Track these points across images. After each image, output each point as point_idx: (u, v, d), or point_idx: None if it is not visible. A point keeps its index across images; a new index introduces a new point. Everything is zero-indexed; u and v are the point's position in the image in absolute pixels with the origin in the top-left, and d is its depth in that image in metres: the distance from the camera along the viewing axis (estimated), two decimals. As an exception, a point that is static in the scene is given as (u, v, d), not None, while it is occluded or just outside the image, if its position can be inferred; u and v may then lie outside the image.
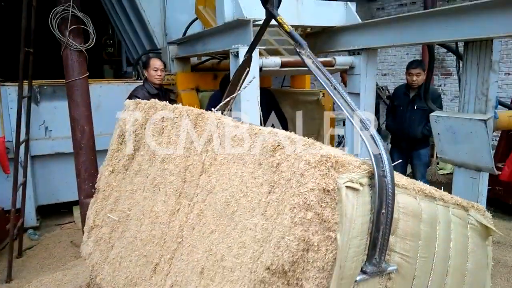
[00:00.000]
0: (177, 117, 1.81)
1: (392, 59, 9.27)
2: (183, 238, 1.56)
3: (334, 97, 1.41)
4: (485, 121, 2.61)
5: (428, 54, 3.36)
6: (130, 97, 3.98)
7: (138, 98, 3.78)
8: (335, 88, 1.44)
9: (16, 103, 4.51)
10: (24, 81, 4.00)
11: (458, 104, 2.91)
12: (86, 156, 3.66)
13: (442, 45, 3.76)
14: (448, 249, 1.39)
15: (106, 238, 1.98)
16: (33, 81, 4.50)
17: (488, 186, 4.37)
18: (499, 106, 3.73)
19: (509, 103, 4.92)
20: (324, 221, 1.04)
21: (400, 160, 4.48)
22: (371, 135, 1.19)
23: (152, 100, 2.06)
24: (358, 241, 1.06)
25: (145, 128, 1.97)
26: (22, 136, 4.62)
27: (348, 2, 3.53)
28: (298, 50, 1.68)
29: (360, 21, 3.36)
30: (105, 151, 3.91)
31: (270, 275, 1.05)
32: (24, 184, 4.22)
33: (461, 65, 2.98)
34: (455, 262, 1.42)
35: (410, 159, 4.85)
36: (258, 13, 2.61)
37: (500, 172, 4.38)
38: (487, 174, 2.82)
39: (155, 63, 3.97)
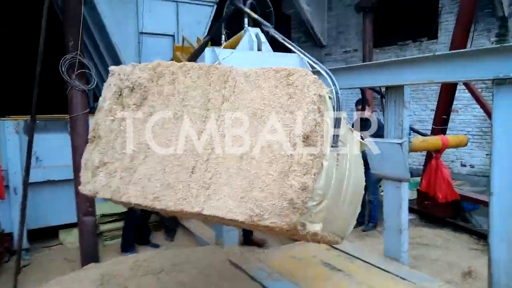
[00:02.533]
0: (187, 70, 2.34)
1: (340, 97, 10.56)
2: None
3: (300, 54, 2.40)
4: (400, 144, 3.62)
5: (361, 95, 4.44)
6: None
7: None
8: (300, 52, 2.46)
9: (12, 135, 5.10)
10: (21, 116, 4.60)
11: (384, 131, 3.91)
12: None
13: (371, 88, 4.88)
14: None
15: (125, 167, 2.31)
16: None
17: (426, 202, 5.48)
18: (413, 133, 4.88)
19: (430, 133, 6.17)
20: (320, 111, 1.89)
21: None
22: (327, 73, 2.22)
23: (156, 61, 2.51)
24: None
25: (152, 81, 2.41)
26: (17, 167, 5.18)
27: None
28: (266, 30, 2.64)
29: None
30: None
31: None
32: (23, 209, 4.68)
33: (383, 102, 4.05)
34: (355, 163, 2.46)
35: None
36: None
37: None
38: (407, 183, 3.81)
39: None
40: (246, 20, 3.90)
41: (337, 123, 2.00)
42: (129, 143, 2.35)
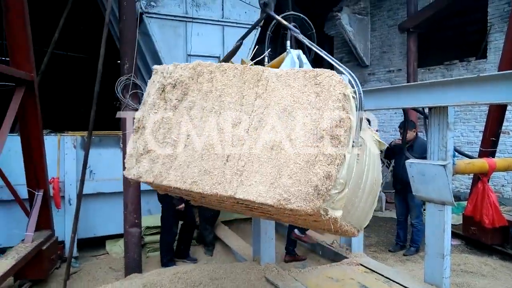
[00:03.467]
0: (224, 69, 2.55)
1: (382, 117, 10.43)
2: (249, 136, 2.24)
3: (330, 60, 2.50)
4: (444, 166, 3.56)
5: (404, 116, 4.40)
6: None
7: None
8: (326, 55, 2.58)
9: (71, 150, 5.51)
10: (79, 132, 4.98)
11: (427, 153, 3.86)
12: (134, 193, 4.54)
13: (414, 109, 4.83)
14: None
15: (166, 155, 2.54)
16: (80, 132, 5.47)
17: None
18: (458, 155, 4.74)
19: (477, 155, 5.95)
20: (344, 109, 2.03)
21: None
22: (350, 75, 2.30)
23: (196, 61, 2.76)
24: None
25: (193, 79, 2.65)
26: (73, 179, 5.56)
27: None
28: (295, 35, 2.77)
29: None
30: (146, 191, 4.78)
31: (326, 133, 2.00)
32: (76, 219, 5.01)
33: (427, 124, 4.00)
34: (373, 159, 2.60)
35: (406, 201, 5.81)
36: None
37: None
38: (450, 207, 3.71)
39: None
40: (288, 43, 4.04)
41: (359, 120, 2.13)
42: (171, 133, 2.59)
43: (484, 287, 4.43)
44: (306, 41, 2.81)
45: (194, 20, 7.04)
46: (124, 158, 4.21)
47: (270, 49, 4.49)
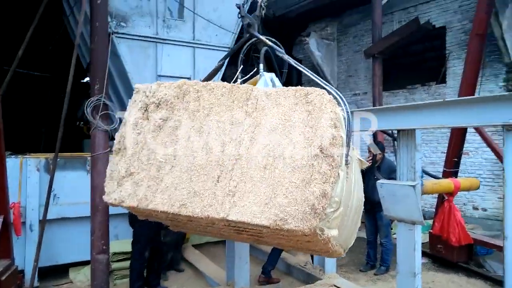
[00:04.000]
0: (212, 88, 2.53)
1: (350, 139, 10.67)
2: (240, 155, 2.21)
3: (314, 78, 2.60)
4: (413, 186, 3.67)
5: (373, 138, 4.54)
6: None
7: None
8: (311, 74, 2.69)
9: (33, 173, 5.25)
10: (42, 154, 4.76)
11: (396, 174, 3.97)
12: (102, 218, 4.36)
13: (383, 131, 4.99)
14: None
15: (151, 177, 2.45)
16: (43, 154, 5.22)
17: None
18: (425, 175, 4.92)
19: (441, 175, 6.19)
20: (336, 127, 2.05)
21: None
22: (338, 94, 2.33)
23: (181, 80, 2.72)
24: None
25: (178, 98, 2.59)
26: (35, 204, 5.28)
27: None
28: (280, 55, 2.81)
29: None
30: (115, 215, 4.59)
31: (320, 152, 2.01)
32: (39, 247, 4.71)
33: (395, 145, 4.14)
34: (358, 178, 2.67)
35: (375, 221, 5.90)
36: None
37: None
38: (420, 226, 3.81)
39: None
40: (261, 66, 4.11)
41: (348, 139, 2.17)
42: (156, 154, 2.50)
43: (453, 305, 4.54)
44: (292, 61, 2.87)
45: (164, 41, 7.03)
46: (92, 181, 4.08)
47: (241, 72, 4.55)
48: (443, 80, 8.94)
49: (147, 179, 2.46)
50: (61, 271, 5.71)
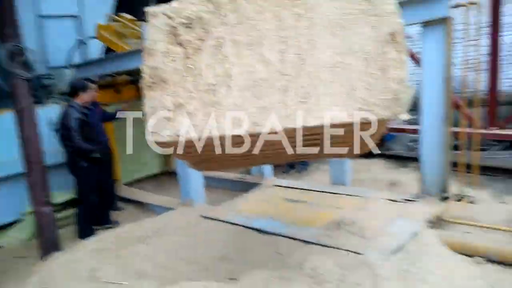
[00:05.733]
0: None
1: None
2: (304, 60, 2.13)
3: None
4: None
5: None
6: (66, 118, 4.60)
7: (77, 118, 4.51)
8: None
9: None
10: None
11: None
12: (39, 170, 4.16)
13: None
14: None
15: (206, 103, 2.25)
16: None
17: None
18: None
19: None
20: (397, 13, 2.12)
21: None
22: None
23: None
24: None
25: (211, 12, 2.29)
26: None
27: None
28: None
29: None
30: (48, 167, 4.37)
31: (391, 38, 2.07)
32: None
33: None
34: None
35: None
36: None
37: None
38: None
39: (92, 86, 4.78)
40: None
41: None
42: (205, 78, 2.27)
43: (364, 178, 5.74)
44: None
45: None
46: (23, 134, 3.82)
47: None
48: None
49: (202, 106, 2.26)
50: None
